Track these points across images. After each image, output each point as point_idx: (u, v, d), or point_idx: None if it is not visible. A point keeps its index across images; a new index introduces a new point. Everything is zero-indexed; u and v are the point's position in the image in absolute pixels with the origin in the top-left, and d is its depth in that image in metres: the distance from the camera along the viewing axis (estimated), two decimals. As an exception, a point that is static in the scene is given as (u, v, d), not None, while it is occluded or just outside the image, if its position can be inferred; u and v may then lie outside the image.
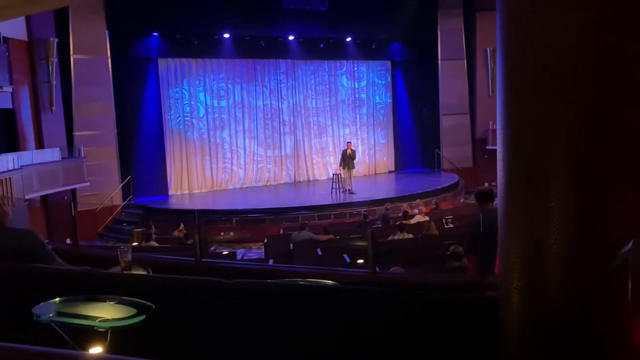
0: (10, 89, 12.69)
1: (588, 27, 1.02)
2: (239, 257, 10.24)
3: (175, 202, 16.22)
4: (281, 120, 18.73)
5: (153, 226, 11.38)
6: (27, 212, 11.95)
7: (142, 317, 1.84)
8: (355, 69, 19.93)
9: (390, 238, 9.44)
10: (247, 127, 18.26)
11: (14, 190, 11.30)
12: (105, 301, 1.97)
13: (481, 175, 17.92)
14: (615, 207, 1.01)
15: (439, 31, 18.93)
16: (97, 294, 2.04)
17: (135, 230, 12.71)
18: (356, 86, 20.03)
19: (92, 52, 14.95)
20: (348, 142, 16.67)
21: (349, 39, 18.81)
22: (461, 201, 16.01)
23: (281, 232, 12.01)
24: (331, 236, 10.07)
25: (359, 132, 20.04)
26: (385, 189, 17.36)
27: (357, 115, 20.10)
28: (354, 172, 16.33)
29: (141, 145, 16.48)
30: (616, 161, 1.00)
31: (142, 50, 16.33)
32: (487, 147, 18.26)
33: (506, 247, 1.20)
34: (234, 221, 13.84)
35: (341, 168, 16.12)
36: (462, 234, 6.16)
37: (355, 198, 15.14)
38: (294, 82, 18.82)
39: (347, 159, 15.74)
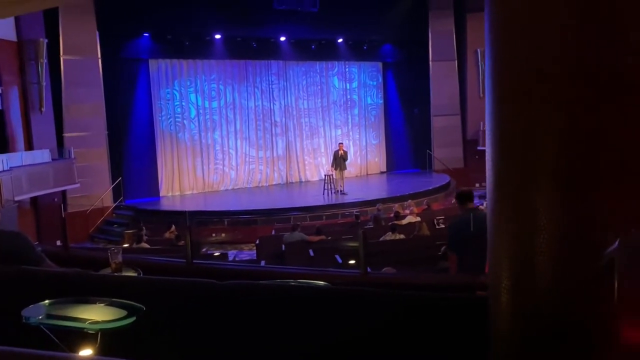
0: (-1, 90, 12.60)
1: (575, 29, 1.03)
2: (230, 259, 10.22)
3: (166, 204, 16.16)
4: (273, 121, 18.72)
5: (144, 228, 11.32)
6: (16, 214, 11.86)
7: (133, 319, 1.83)
8: (347, 70, 19.96)
9: (382, 239, 9.46)
10: (239, 128, 18.22)
11: (3, 192, 11.20)
12: (96, 303, 1.96)
13: (472, 176, 18.00)
14: (602, 207, 1.02)
15: (429, 32, 19.00)
16: (87, 296, 2.03)
17: (126, 231, 12.65)
18: (348, 87, 20.07)
19: (82, 52, 14.85)
20: (340, 143, 16.69)
21: (340, 40, 18.84)
22: (452, 202, 16.02)
23: (273, 233, 12.00)
24: (323, 237, 10.07)
25: (350, 133, 20.07)
26: (377, 189, 17.39)
27: (349, 116, 20.13)
28: (346, 173, 16.35)
29: (132, 147, 16.39)
30: (604, 162, 1.01)
31: (132, 51, 16.25)
32: (478, 148, 18.34)
33: (495, 247, 1.20)
34: (226, 222, 13.81)
35: (333, 169, 16.13)
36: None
37: (347, 199, 15.16)
38: (285, 83, 18.82)
39: (339, 160, 15.75)
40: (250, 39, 17.32)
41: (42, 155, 13.42)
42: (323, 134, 19.64)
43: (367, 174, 20.24)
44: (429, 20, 18.93)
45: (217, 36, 16.99)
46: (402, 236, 9.57)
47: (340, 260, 8.21)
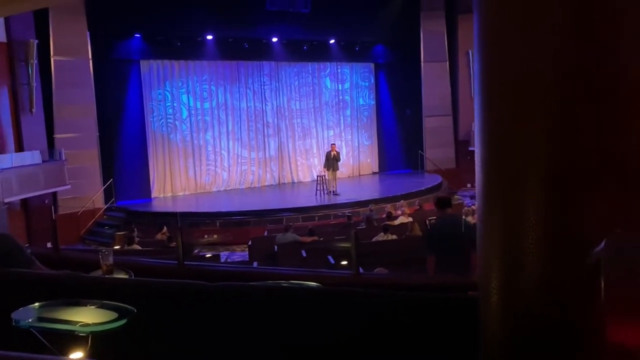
0: (-12, 91, 12.50)
1: (567, 31, 1.03)
2: (222, 260, 10.18)
3: (158, 205, 16.09)
4: (265, 122, 18.69)
5: (135, 229, 11.27)
6: (6, 216, 11.76)
7: (124, 321, 1.82)
8: (339, 70, 19.98)
9: (374, 239, 9.47)
10: (231, 129, 18.19)
11: (-7, 194, 11.11)
12: (86, 305, 1.95)
13: (464, 176, 18.07)
14: (590, 207, 1.03)
15: (421, 33, 19.06)
16: (77, 299, 2.02)
17: (117, 233, 12.59)
18: (340, 88, 20.08)
19: (73, 53, 14.77)
20: (332, 144, 16.69)
21: (332, 41, 18.86)
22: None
23: (265, 234, 11.98)
24: (315, 238, 10.06)
25: (343, 133, 20.09)
26: (370, 190, 17.41)
27: (341, 117, 20.15)
28: (338, 173, 16.36)
29: (123, 148, 16.31)
30: (592, 163, 1.02)
31: (123, 52, 16.17)
32: (470, 149, 18.42)
33: (485, 247, 1.21)
34: (218, 224, 13.77)
35: (325, 170, 16.13)
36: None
37: (340, 199, 15.17)
38: (277, 84, 18.81)
39: (332, 161, 15.76)
40: (242, 40, 17.29)
41: (32, 156, 13.32)
42: (315, 135, 19.65)
43: (359, 175, 20.26)
44: (420, 22, 18.99)
45: (209, 37, 16.95)
46: (394, 237, 9.58)
47: (332, 261, 8.21)
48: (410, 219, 11.19)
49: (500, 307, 1.16)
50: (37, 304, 1.98)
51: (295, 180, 19.15)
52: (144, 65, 16.72)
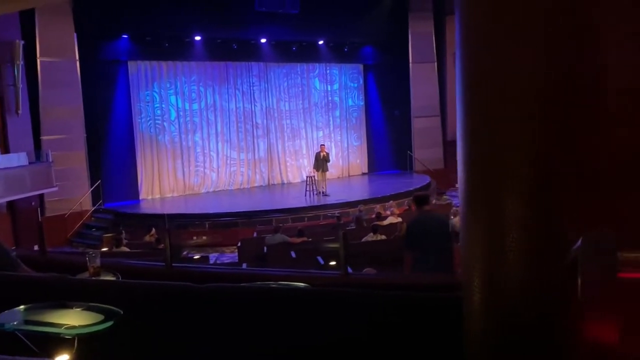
0: (-26, 93, 12.36)
1: (549, 40, 1.05)
2: (212, 262, 10.16)
3: (146, 207, 16.00)
4: (254, 123, 18.67)
5: (123, 231, 11.20)
6: (-8, 219, 11.63)
7: (110, 323, 1.81)
8: (328, 71, 20.01)
9: (363, 239, 9.50)
10: (220, 130, 18.14)
11: (-21, 196, 10.99)
12: (72, 308, 1.94)
13: (452, 177, 18.14)
14: (569, 207, 1.04)
15: (409, 34, 19.13)
16: (64, 301, 2.01)
17: (105, 235, 12.50)
18: (329, 89, 20.11)
19: (59, 54, 14.64)
20: (321, 145, 16.70)
21: (321, 42, 18.88)
22: (433, 202, 16.18)
23: (255, 235, 11.97)
24: (305, 239, 10.07)
25: (332, 134, 20.12)
26: (359, 190, 17.46)
27: (330, 118, 20.18)
28: (328, 174, 16.38)
29: (111, 149, 16.21)
30: (571, 165, 1.04)
31: (111, 53, 16.08)
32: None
33: (467, 246, 1.22)
34: (207, 225, 13.73)
35: (315, 170, 16.15)
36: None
37: (329, 200, 15.18)
38: (266, 85, 18.79)
39: (321, 162, 15.78)
40: (231, 41, 17.25)
41: (18, 158, 13.19)
42: (304, 136, 19.65)
43: (348, 175, 20.30)
44: (408, 23, 19.06)
45: (197, 38, 16.90)
46: (383, 237, 9.61)
47: (322, 262, 8.22)
48: (400, 219, 11.24)
49: (482, 307, 1.17)
50: (22, 306, 1.96)
51: (285, 181, 19.14)
52: (132, 66, 16.63)
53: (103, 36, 15.67)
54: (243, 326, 1.97)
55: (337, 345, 1.89)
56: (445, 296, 2.02)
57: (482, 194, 1.15)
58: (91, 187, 15.33)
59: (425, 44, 19.24)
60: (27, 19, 13.79)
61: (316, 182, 15.96)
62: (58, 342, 1.80)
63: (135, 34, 16.06)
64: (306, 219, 13.86)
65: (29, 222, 12.90)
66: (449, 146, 19.43)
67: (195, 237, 13.06)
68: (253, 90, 18.55)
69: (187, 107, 17.56)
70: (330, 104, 20.15)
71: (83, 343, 1.79)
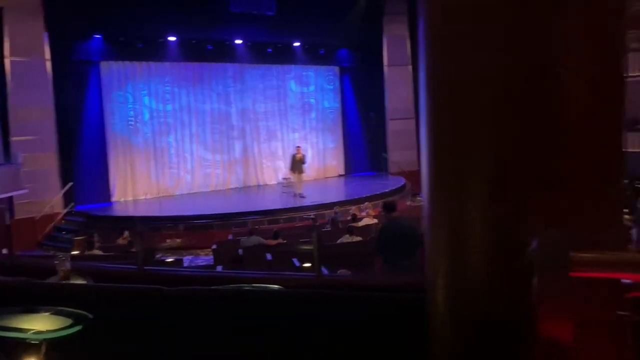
0: (-61, 92, 12.01)
1: (507, 47, 1.08)
2: (186, 264, 10.06)
3: (119, 209, 15.77)
4: (229, 124, 18.57)
5: (95, 234, 11.01)
6: (-42, 222, 11.30)
7: (79, 328, 1.79)
8: (304, 74, 20.03)
9: (339, 241, 9.52)
10: (194, 131, 17.99)
11: (-56, 199, 10.67)
12: (40, 312, 1.90)
13: (427, 178, 18.32)
14: (527, 208, 1.08)
15: (384, 37, 19.28)
16: (31, 305, 1.97)
17: (76, 238, 12.26)
18: (305, 91, 20.14)
19: (29, 54, 14.30)
20: (297, 147, 16.69)
21: (297, 44, 18.91)
22: (407, 204, 16.34)
23: (230, 237, 11.89)
24: (280, 241, 10.05)
25: (308, 136, 20.14)
26: (335, 192, 17.51)
27: (306, 120, 20.21)
28: (304, 176, 16.38)
29: (83, 151, 15.94)
30: (534, 168, 1.08)
31: (83, 53, 15.82)
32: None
33: (431, 248, 1.25)
34: (181, 227, 13.59)
35: (291, 172, 16.13)
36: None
37: (305, 202, 15.18)
38: (242, 87, 18.72)
39: (297, 163, 15.77)
40: (206, 42, 17.16)
41: (-14, 160, 12.86)
42: (281, 138, 19.63)
43: (325, 177, 20.34)
44: (383, 26, 19.21)
45: (172, 38, 16.75)
46: (359, 238, 9.65)
47: (297, 264, 8.22)
48: (375, 221, 11.30)
49: (445, 307, 1.20)
50: (-12, 312, 1.92)
51: (261, 183, 19.08)
52: (105, 66, 16.39)
53: (75, 36, 15.41)
54: (215, 329, 1.96)
55: (309, 347, 1.90)
56: (416, 297, 2.04)
57: (445, 196, 1.18)
58: (62, 189, 15.03)
59: (400, 47, 19.41)
60: (-5, 18, 13.48)
61: (292, 184, 15.96)
62: (25, 347, 1.77)
63: (109, 34, 15.85)
64: (282, 221, 13.83)
65: (-2, 225, 12.57)
66: (423, 148, 19.59)
67: (169, 240, 12.91)
68: (228, 91, 18.46)
69: (161, 108, 17.38)
70: (306, 106, 20.17)
71: (51, 348, 1.76)
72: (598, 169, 1.08)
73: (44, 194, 14.46)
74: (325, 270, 5.05)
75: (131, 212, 15.14)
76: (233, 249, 10.04)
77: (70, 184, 15.22)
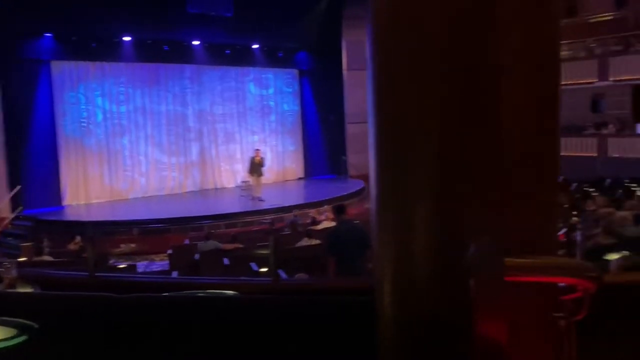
0: None
1: (448, 57, 1.12)
2: (140, 270, 9.83)
3: (70, 213, 15.27)
4: (186, 126, 18.29)
5: (45, 239, 10.62)
6: None
7: (23, 338, 1.72)
8: (263, 76, 19.95)
9: (298, 245, 9.51)
10: (150, 133, 17.63)
11: None
12: (-19, 323, 1.82)
13: (385, 182, 18.56)
14: (469, 212, 1.12)
15: (343, 41, 19.42)
16: (-28, 316, 1.88)
17: (23, 244, 11.78)
18: (264, 93, 20.06)
19: (-27, 51, 13.71)
20: (257, 150, 16.59)
21: (255, 46, 18.83)
22: (366, 206, 16.50)
23: (187, 242, 11.69)
24: (238, 245, 9.96)
25: (267, 139, 20.06)
26: (294, 195, 17.48)
27: (266, 123, 20.12)
28: (263, 179, 16.30)
29: (32, 153, 15.34)
30: (469, 174, 1.12)
31: (33, 51, 15.26)
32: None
33: (378, 250, 1.27)
34: (135, 232, 13.26)
35: (249, 175, 16.02)
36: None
37: (264, 205, 15.09)
38: (199, 88, 18.47)
39: (256, 166, 15.69)
40: (162, 42, 16.86)
41: None
42: (239, 140, 19.47)
43: (284, 181, 20.29)
44: (342, 30, 19.35)
45: (127, 38, 16.39)
46: (318, 241, 9.66)
47: (255, 268, 8.16)
48: (334, 224, 11.33)
49: (391, 309, 1.22)
50: None
51: (218, 186, 18.86)
52: (56, 66, 15.86)
53: (24, 34, 14.83)
54: (168, 337, 1.93)
55: (265, 352, 1.89)
56: (369, 299, 2.06)
57: (391, 200, 1.21)
58: (10, 192, 14.43)
59: (359, 51, 19.56)
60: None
61: (251, 187, 15.84)
62: (-35, 360, 1.69)
63: (60, 32, 15.36)
64: (240, 224, 13.71)
65: (-62, 230, 11.97)
66: (381, 152, 19.83)
67: (122, 245, 12.58)
68: (185, 92, 18.19)
69: (114, 109, 16.95)
70: (266, 109, 20.09)
71: (-7, 360, 1.69)
72: (533, 171, 1.14)
73: (-11, 198, 13.86)
74: (283, 274, 5.06)
75: (83, 216, 14.69)
76: (189, 254, 9.87)
77: (19, 187, 14.62)
